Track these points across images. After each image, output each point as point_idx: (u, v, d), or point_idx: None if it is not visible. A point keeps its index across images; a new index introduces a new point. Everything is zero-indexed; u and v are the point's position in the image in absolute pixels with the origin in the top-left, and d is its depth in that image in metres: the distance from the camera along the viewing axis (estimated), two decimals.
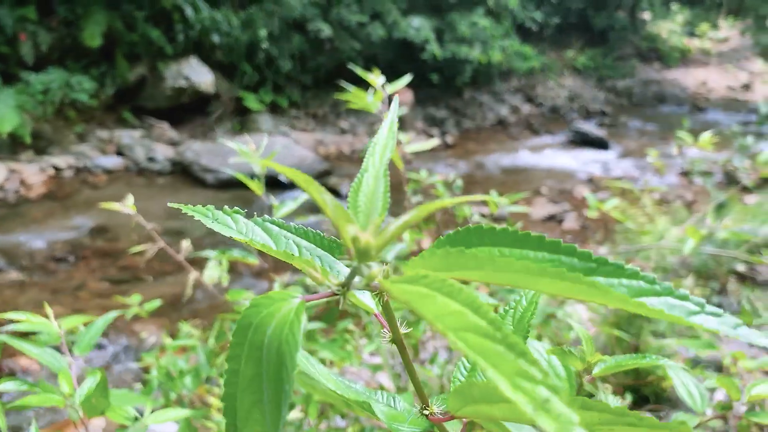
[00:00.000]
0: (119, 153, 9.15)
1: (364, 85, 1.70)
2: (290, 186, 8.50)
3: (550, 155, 10.84)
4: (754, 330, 0.35)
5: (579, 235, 6.92)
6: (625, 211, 3.85)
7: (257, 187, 1.44)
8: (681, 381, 1.01)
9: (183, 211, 0.48)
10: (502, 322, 0.30)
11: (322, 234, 0.47)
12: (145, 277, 5.52)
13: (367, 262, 0.34)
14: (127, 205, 1.55)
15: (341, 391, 0.49)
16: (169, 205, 0.51)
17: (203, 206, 0.48)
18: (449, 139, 11.71)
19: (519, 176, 9.61)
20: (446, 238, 0.35)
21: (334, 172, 9.13)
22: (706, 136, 2.62)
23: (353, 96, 1.60)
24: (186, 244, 1.69)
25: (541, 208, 7.85)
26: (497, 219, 2.00)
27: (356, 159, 9.04)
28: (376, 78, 1.62)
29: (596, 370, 0.67)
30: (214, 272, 1.70)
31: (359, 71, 1.65)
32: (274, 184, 8.41)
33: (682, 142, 2.89)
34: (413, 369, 0.44)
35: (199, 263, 2.48)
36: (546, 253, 0.33)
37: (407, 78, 1.66)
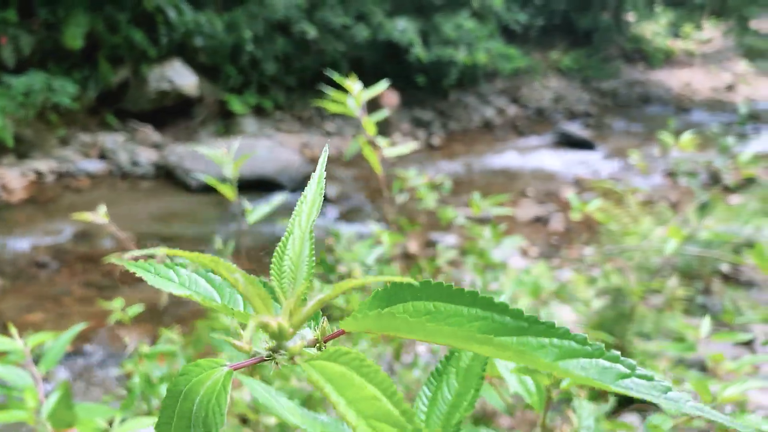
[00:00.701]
0: (102, 157, 9.07)
1: (342, 85, 1.70)
2: (285, 188, 8.48)
3: (535, 156, 10.89)
4: (684, 393, 0.34)
5: (565, 236, 6.95)
6: (608, 212, 3.87)
7: (229, 192, 1.42)
8: None
9: (123, 263, 0.46)
10: (414, 413, 0.29)
11: (268, 282, 0.46)
12: (129, 283, 5.47)
13: (283, 341, 0.34)
14: (100, 215, 1.53)
15: (307, 425, 0.48)
16: (106, 259, 0.49)
17: (146, 261, 0.46)
18: (435, 141, 11.73)
19: (505, 178, 9.64)
20: (382, 293, 0.34)
21: None
22: (687, 137, 2.64)
23: (331, 101, 1.60)
24: (161, 252, 1.66)
25: (527, 210, 7.88)
26: (481, 220, 2.00)
27: (343, 161, 9.01)
28: (352, 83, 1.61)
29: (564, 384, 0.67)
30: None
31: (335, 77, 1.65)
32: (264, 185, 8.37)
33: (665, 143, 2.90)
34: None
35: None
36: (479, 309, 0.32)
37: (384, 83, 1.65)
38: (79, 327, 0.99)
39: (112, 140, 9.33)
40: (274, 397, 0.47)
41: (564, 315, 2.99)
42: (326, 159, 0.47)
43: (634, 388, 0.32)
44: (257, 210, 1.45)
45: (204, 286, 0.45)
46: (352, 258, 1.69)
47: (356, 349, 0.35)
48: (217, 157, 1.45)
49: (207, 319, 1.54)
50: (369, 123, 1.69)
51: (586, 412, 0.94)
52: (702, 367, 2.73)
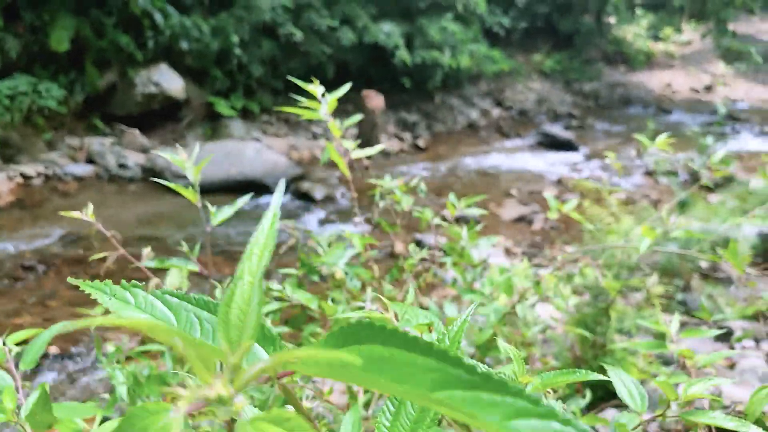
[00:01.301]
0: (90, 160, 9.07)
1: (329, 89, 1.76)
2: (273, 190, 8.53)
3: (519, 157, 11.03)
4: None
5: (548, 235, 7.07)
6: (586, 212, 3.96)
7: (191, 195, 1.46)
8: (621, 382, 1.02)
9: (80, 288, 0.45)
10: None
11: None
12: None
13: (225, 405, 0.33)
14: (87, 215, 1.57)
15: None
16: (69, 280, 0.49)
17: (101, 283, 0.45)
18: (421, 143, 11.84)
19: (490, 178, 9.76)
20: (337, 333, 0.33)
21: (307, 176, 9.18)
22: (663, 138, 2.74)
23: (300, 107, 1.66)
24: (146, 251, 1.71)
25: (511, 210, 8.00)
26: (459, 220, 2.07)
27: (330, 163, 9.09)
28: (316, 88, 1.68)
29: (531, 388, 0.68)
30: (174, 279, 1.72)
31: (299, 83, 1.71)
32: (251, 187, 8.42)
33: (643, 144, 3.01)
34: None
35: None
36: (434, 360, 0.32)
37: (347, 86, 1.72)
38: (58, 326, 0.98)
39: (99, 143, 9.34)
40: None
41: (547, 312, 3.07)
42: (282, 194, 0.44)
43: None
44: (221, 212, 1.49)
45: (161, 308, 0.44)
46: (321, 261, 1.71)
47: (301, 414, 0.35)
48: (179, 161, 1.48)
49: None
50: (335, 127, 1.75)
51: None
52: (682, 365, 2.83)
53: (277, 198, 0.43)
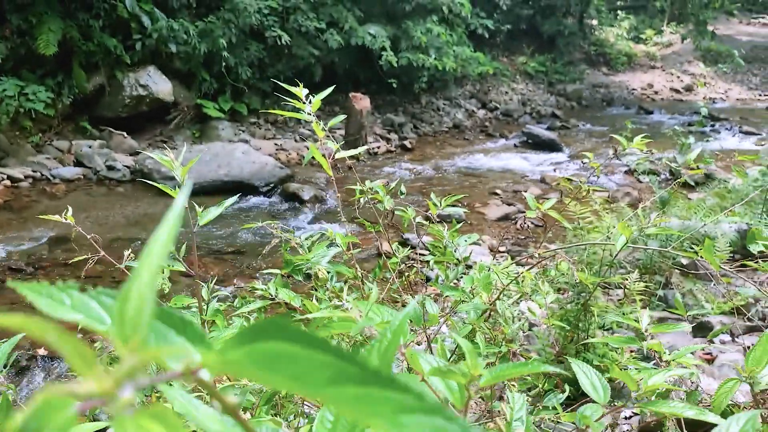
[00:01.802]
0: (78, 163, 9.09)
1: (317, 91, 1.83)
2: (261, 191, 8.60)
3: (504, 158, 11.16)
4: None
5: (532, 233, 7.18)
6: (567, 211, 4.07)
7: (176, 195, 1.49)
8: (585, 374, 1.04)
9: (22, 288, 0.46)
10: None
11: (166, 308, 0.42)
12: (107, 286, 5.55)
13: (112, 398, 0.32)
14: (66, 218, 1.62)
15: None
16: (9, 284, 0.49)
17: (40, 284, 0.45)
18: (408, 144, 11.95)
19: (475, 178, 9.88)
20: (244, 332, 0.33)
21: (295, 177, 9.26)
22: (639, 138, 2.87)
23: (284, 109, 1.73)
24: (127, 252, 1.74)
25: (496, 209, 8.12)
26: (444, 219, 2.17)
27: (317, 165, 9.17)
28: (300, 90, 1.74)
29: (482, 381, 0.70)
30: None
31: (285, 86, 1.77)
32: (240, 188, 8.48)
33: (621, 144, 3.12)
34: None
35: None
36: (331, 357, 0.32)
37: (330, 89, 1.80)
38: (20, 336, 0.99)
39: (87, 146, 9.36)
40: (196, 406, 0.45)
41: (533, 309, 3.17)
42: (188, 192, 0.42)
43: None
44: (208, 213, 1.53)
45: (95, 308, 0.43)
46: (305, 260, 1.73)
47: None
48: (168, 162, 1.51)
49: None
50: (318, 128, 1.81)
51: (518, 404, 1.00)
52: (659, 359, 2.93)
53: (183, 197, 0.40)
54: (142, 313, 0.36)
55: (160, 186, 1.49)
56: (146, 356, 0.33)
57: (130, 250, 1.66)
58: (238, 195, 1.72)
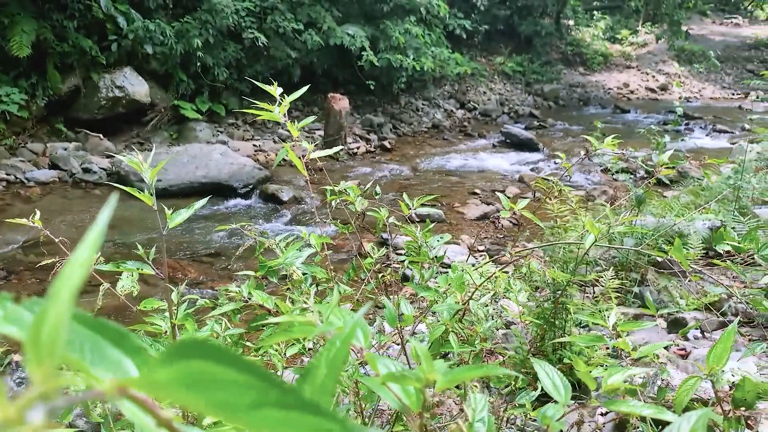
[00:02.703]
0: (53, 165, 8.98)
1: (293, 91, 1.83)
2: (239, 193, 8.56)
3: (483, 157, 11.24)
4: None
5: (510, 232, 7.25)
6: (544, 210, 4.12)
7: (147, 199, 1.45)
8: (546, 374, 1.04)
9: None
10: None
11: (102, 320, 0.39)
12: (85, 290, 5.50)
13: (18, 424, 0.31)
14: (34, 221, 1.61)
15: None
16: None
17: None
18: (387, 144, 11.97)
19: (454, 178, 9.94)
20: (169, 351, 0.32)
21: (274, 179, 9.24)
22: (610, 138, 2.93)
23: (257, 109, 1.73)
24: (96, 256, 1.72)
25: (475, 209, 8.18)
26: (423, 219, 2.19)
27: (294, 166, 9.15)
28: (275, 90, 1.75)
29: (438, 385, 0.70)
30: (126, 283, 1.70)
31: (260, 85, 1.78)
32: (218, 190, 8.44)
33: (592, 144, 3.17)
34: None
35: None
36: (255, 379, 0.32)
37: (304, 89, 1.80)
38: None
39: (62, 148, 9.25)
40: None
41: (509, 307, 3.21)
42: (111, 212, 0.38)
43: None
44: (178, 215, 1.48)
45: (28, 320, 0.41)
46: (277, 263, 1.71)
47: None
48: (136, 164, 1.48)
49: (140, 324, 1.57)
50: (293, 127, 1.81)
51: (480, 405, 0.98)
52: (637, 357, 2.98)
53: (106, 214, 0.38)
54: (57, 337, 0.33)
55: (128, 189, 1.47)
56: (58, 383, 0.31)
57: (98, 253, 1.64)
58: (209, 197, 1.70)
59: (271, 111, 1.62)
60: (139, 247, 1.59)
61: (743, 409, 1.37)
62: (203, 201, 1.53)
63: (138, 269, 1.52)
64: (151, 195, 1.43)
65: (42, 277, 5.87)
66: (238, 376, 0.31)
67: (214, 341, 0.34)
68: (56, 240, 1.63)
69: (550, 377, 1.01)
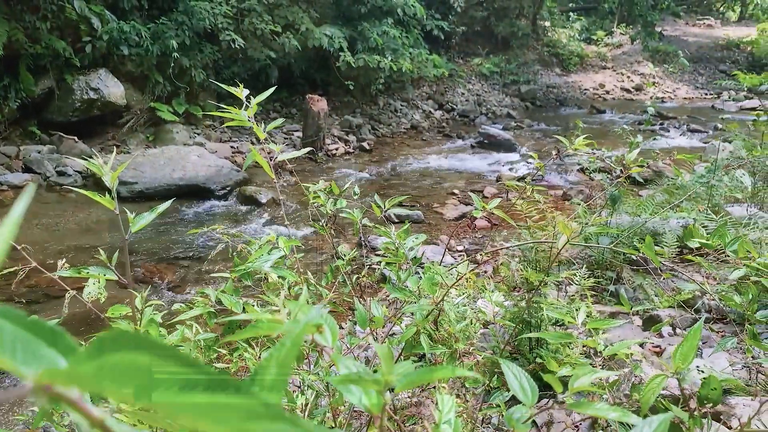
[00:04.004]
0: (27, 169, 8.84)
1: (273, 93, 1.84)
2: (217, 195, 8.50)
3: (461, 158, 11.30)
4: None
5: (488, 232, 7.30)
6: (520, 209, 4.15)
7: (108, 203, 1.43)
8: (513, 376, 1.03)
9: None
10: None
11: (36, 319, 0.38)
12: (57, 296, 5.44)
13: None
14: None
15: None
16: None
17: None
18: (366, 145, 11.98)
19: (433, 178, 9.97)
20: (95, 343, 0.32)
21: (252, 180, 9.20)
22: (581, 138, 2.96)
23: (224, 112, 1.73)
24: (61, 262, 1.69)
25: (453, 209, 8.22)
26: (403, 221, 2.20)
27: (273, 167, 9.11)
28: (240, 91, 1.75)
29: (396, 387, 0.69)
30: (92, 290, 1.68)
31: (224, 86, 1.77)
32: (195, 192, 8.38)
33: (564, 144, 3.20)
34: None
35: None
36: (181, 366, 0.32)
37: (270, 90, 1.80)
38: None
39: (36, 151, 9.12)
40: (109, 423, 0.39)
41: (484, 308, 3.23)
42: (27, 201, 0.37)
43: None
44: (141, 218, 1.47)
45: None
46: (245, 266, 1.70)
47: None
48: (97, 166, 1.46)
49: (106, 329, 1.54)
50: (259, 130, 1.81)
51: (447, 406, 0.99)
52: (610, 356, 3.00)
53: (21, 206, 0.37)
54: None
55: (88, 194, 1.44)
56: None
57: (64, 259, 1.62)
58: (173, 200, 1.68)
59: (238, 114, 1.62)
60: (102, 252, 1.56)
61: (710, 406, 1.39)
62: (166, 204, 1.52)
63: (101, 275, 1.48)
64: (113, 199, 1.41)
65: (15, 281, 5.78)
66: (164, 363, 0.31)
67: (140, 333, 0.33)
68: (18, 247, 1.59)
69: (517, 379, 1.01)
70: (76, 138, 9.76)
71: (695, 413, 1.26)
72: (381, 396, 0.67)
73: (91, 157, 1.63)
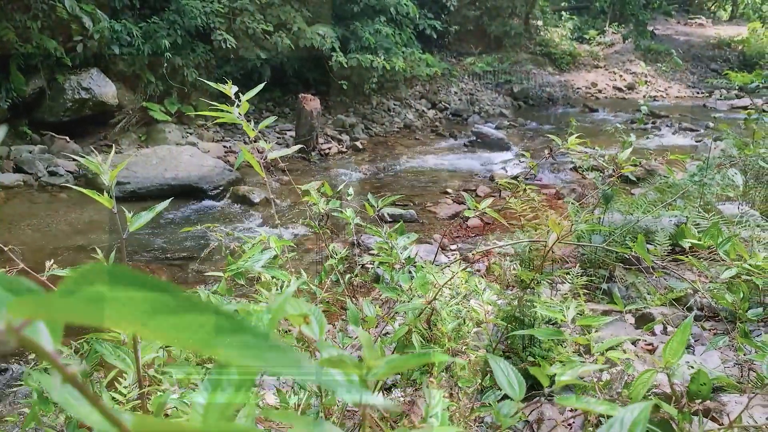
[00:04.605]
0: (18, 169, 8.79)
1: (265, 93, 1.84)
2: (210, 195, 8.48)
3: (455, 157, 11.31)
4: (313, 365, 0.38)
5: (482, 230, 7.31)
6: (513, 208, 4.16)
7: (106, 201, 1.42)
8: (501, 371, 1.03)
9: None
10: None
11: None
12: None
13: None
14: None
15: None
16: None
17: None
18: (360, 144, 11.97)
19: (426, 178, 9.98)
20: (74, 277, 0.33)
21: (245, 180, 9.18)
22: (573, 138, 2.97)
23: (215, 110, 1.72)
24: (49, 263, 1.68)
25: (447, 208, 8.23)
26: (394, 219, 2.20)
27: (265, 166, 9.10)
28: (229, 90, 1.74)
29: (379, 372, 0.69)
30: None
31: (214, 84, 1.76)
32: (188, 192, 8.35)
33: (555, 142, 3.21)
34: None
35: None
36: (147, 291, 0.33)
37: (260, 87, 1.79)
38: None
39: (27, 151, 9.07)
40: (72, 396, 0.42)
41: (476, 307, 3.24)
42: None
43: (270, 360, 0.34)
44: (139, 218, 1.45)
45: None
46: (237, 266, 1.68)
47: None
48: (94, 164, 1.45)
49: (98, 332, 1.54)
50: (249, 127, 1.81)
51: (435, 400, 0.99)
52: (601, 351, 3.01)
53: None
54: None
55: (86, 192, 1.44)
56: None
57: (52, 260, 1.61)
58: (171, 199, 1.68)
59: (227, 110, 1.61)
60: (98, 251, 1.55)
61: (699, 401, 1.39)
62: (165, 203, 1.52)
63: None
64: (111, 198, 1.40)
65: None
66: (134, 292, 0.33)
67: (111, 266, 0.34)
68: (5, 248, 1.57)
69: (505, 374, 1.01)
70: (67, 138, 9.71)
71: (684, 409, 1.27)
72: (364, 382, 0.67)
73: (82, 157, 1.62)
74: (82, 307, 0.32)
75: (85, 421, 0.41)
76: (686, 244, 2.37)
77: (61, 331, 0.36)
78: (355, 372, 0.67)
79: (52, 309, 0.33)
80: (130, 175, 8.40)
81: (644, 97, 16.71)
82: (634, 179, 8.48)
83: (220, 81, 1.82)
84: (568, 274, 3.95)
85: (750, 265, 1.71)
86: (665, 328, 3.83)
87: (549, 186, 9.02)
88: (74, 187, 1.54)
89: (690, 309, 4.07)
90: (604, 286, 4.65)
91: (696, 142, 11.98)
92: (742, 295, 2.04)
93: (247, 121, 1.82)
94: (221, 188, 8.69)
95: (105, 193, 1.47)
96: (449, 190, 9.04)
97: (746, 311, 2.05)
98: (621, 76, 19.84)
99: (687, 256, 2.49)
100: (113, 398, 1.51)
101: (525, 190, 3.07)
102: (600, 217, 4.60)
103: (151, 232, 7.05)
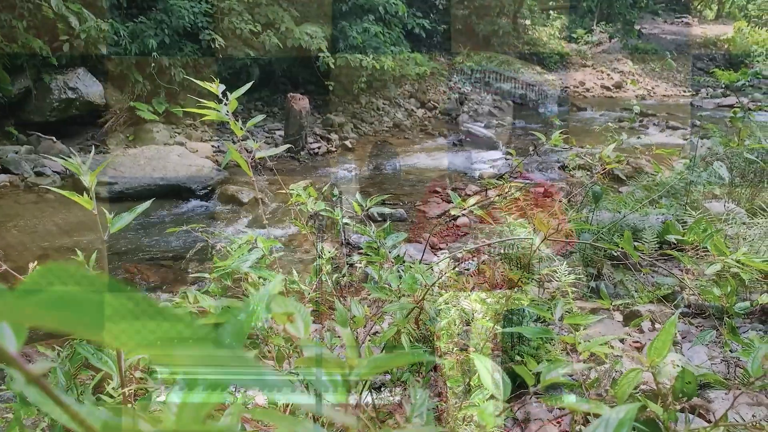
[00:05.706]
0: (4, 169, 8.72)
1: (253, 92, 1.83)
2: (198, 195, 8.44)
3: (444, 156, 11.33)
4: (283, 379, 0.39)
5: (471, 229, 7.33)
6: (500, 207, 4.18)
7: (86, 203, 1.40)
8: (486, 370, 1.03)
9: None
10: None
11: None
12: None
13: None
14: None
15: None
16: None
17: None
18: (349, 144, 11.97)
19: (416, 177, 9.99)
20: (36, 277, 0.32)
21: (233, 180, 9.15)
22: (557, 134, 2.98)
23: (202, 108, 1.72)
24: (32, 265, 1.67)
25: (436, 207, 8.24)
26: (384, 219, 2.20)
27: (253, 165, 9.06)
28: (216, 88, 1.74)
29: (362, 372, 0.69)
30: None
31: (201, 83, 1.76)
32: (176, 192, 8.31)
33: (539, 139, 3.22)
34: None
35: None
36: (110, 296, 0.33)
37: (248, 85, 1.79)
38: None
39: (13, 152, 8.99)
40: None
41: (466, 307, 3.24)
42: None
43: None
44: (121, 219, 1.44)
45: None
46: (224, 266, 1.68)
47: None
48: (75, 165, 1.43)
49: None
50: (236, 126, 1.80)
51: (420, 400, 0.99)
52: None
53: None
54: None
55: (65, 194, 1.42)
56: None
57: (36, 262, 1.59)
58: (152, 200, 1.67)
59: (214, 107, 1.61)
60: (78, 252, 1.53)
61: (685, 399, 1.40)
62: (146, 204, 1.50)
63: None
64: (91, 199, 1.39)
65: None
66: (94, 296, 0.32)
67: (74, 267, 0.33)
68: None
69: (489, 373, 1.00)
70: (54, 138, 9.64)
71: (670, 407, 1.27)
72: (346, 381, 0.66)
73: (69, 157, 1.61)
74: (37, 308, 0.32)
75: (59, 420, 0.40)
76: (671, 239, 2.39)
77: (25, 331, 0.35)
78: (337, 371, 0.66)
79: (10, 309, 0.32)
80: (118, 176, 8.35)
81: (637, 97, 16.82)
82: (623, 177, 8.55)
83: (208, 81, 1.81)
84: (555, 272, 3.96)
85: (733, 259, 1.73)
86: (653, 324, 3.85)
87: (537, 184, 9.05)
88: (53, 189, 1.52)
89: (677, 306, 4.10)
90: (592, 283, 4.68)
91: (684, 140, 12.07)
92: (729, 289, 2.05)
93: (236, 120, 1.81)
94: (210, 188, 8.66)
95: (85, 194, 1.45)
96: (438, 189, 9.05)
97: (734, 305, 2.07)
98: (609, 75, 19.95)
99: (673, 251, 2.51)
100: (100, 399, 1.50)
101: (510, 188, 3.07)
102: (588, 216, 4.62)
103: (139, 232, 7.02)
